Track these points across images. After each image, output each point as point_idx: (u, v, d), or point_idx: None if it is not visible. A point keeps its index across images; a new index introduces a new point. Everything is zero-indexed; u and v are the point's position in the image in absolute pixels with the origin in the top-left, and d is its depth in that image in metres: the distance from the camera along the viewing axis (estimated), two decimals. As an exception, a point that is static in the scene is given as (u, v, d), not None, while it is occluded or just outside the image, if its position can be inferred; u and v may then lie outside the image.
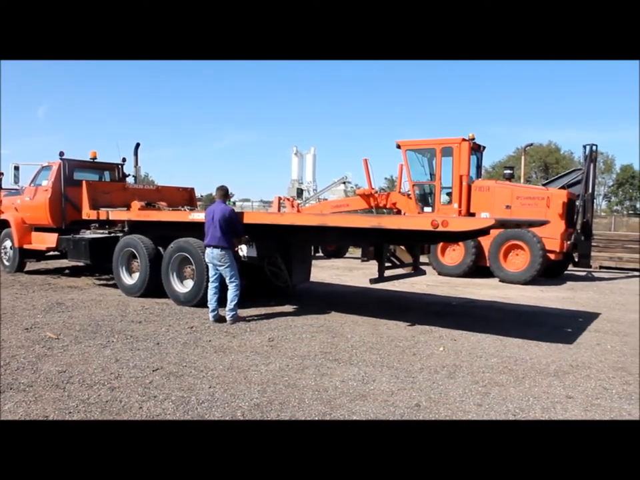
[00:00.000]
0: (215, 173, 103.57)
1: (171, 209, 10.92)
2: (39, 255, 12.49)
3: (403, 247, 9.80)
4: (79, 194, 10.93)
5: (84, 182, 10.73)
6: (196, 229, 8.27)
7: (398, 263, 8.98)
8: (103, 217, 10.31)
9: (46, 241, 11.72)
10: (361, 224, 7.37)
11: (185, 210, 10.90)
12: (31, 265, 13.05)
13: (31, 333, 6.93)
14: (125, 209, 10.66)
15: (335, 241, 12.97)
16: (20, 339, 6.58)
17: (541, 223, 9.48)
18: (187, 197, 12.62)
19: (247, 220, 8.19)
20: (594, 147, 14.30)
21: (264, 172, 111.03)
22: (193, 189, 12.90)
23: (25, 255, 12.38)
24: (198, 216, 8.52)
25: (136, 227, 10.00)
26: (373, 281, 8.16)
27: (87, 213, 10.49)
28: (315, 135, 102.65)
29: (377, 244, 7.98)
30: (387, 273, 8.35)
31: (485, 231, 7.86)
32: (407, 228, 7.16)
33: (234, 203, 39.17)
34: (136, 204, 10.62)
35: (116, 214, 10.29)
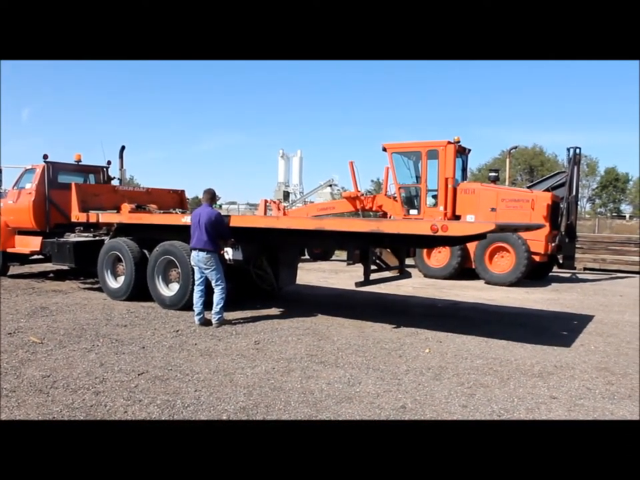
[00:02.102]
0: (201, 176, 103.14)
1: (161, 211, 10.77)
2: (23, 259, 12.36)
3: (388, 250, 9.82)
4: (63, 197, 10.83)
5: (73, 184, 10.54)
6: (187, 233, 8.18)
7: (384, 266, 8.99)
8: (92, 219, 10.10)
9: (30, 244, 11.60)
10: (360, 228, 7.28)
11: (176, 213, 10.77)
12: (14, 269, 12.92)
13: (14, 337, 6.86)
14: (115, 211, 10.54)
15: (320, 244, 12.98)
16: (3, 344, 6.50)
17: (538, 227, 9.60)
18: (177, 200, 12.46)
19: (243, 224, 8.15)
20: (577, 150, 14.45)
21: (250, 175, 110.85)
22: (183, 191, 12.74)
23: (8, 259, 12.23)
24: None
25: (123, 229, 9.92)
26: (358, 284, 8.18)
27: (77, 215, 10.25)
28: (302, 138, 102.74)
29: (363, 247, 7.97)
30: (373, 276, 8.37)
31: (482, 236, 7.82)
32: (407, 232, 7.06)
33: (220, 206, 39.09)
34: (126, 206, 10.46)
35: (106, 217, 10.12)
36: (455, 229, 6.51)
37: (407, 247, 9.04)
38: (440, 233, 6.36)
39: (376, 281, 8.52)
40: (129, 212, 10.28)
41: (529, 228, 10.05)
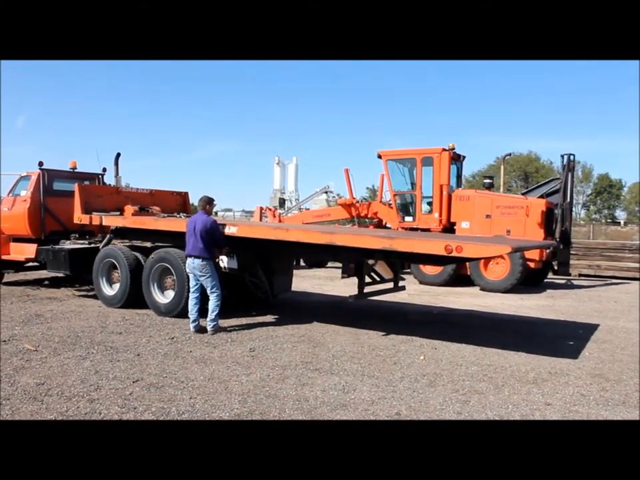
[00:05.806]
0: (197, 183, 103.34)
1: (165, 215, 10.50)
2: (18, 266, 12.31)
3: (383, 262, 9.74)
4: (59, 204, 10.82)
5: (77, 185, 10.39)
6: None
7: (378, 278, 8.93)
8: (95, 222, 9.89)
9: (25, 251, 11.56)
10: (372, 245, 6.97)
11: (181, 217, 10.57)
12: (9, 276, 12.89)
13: (9, 345, 6.84)
14: (118, 213, 10.33)
15: (316, 256, 12.90)
16: (-3, 352, 6.49)
17: (549, 245, 9.49)
18: (180, 202, 12.23)
19: (252, 234, 8.02)
20: (571, 157, 14.49)
21: (246, 182, 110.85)
22: (187, 194, 12.46)
23: (3, 266, 12.16)
24: None
25: (120, 233, 9.84)
26: (352, 297, 8.16)
27: (79, 217, 10.04)
28: (297, 145, 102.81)
29: (358, 259, 7.91)
30: (367, 289, 8.38)
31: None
32: (420, 251, 6.71)
33: (216, 213, 39.00)
34: (129, 208, 10.31)
35: (110, 219, 9.90)
36: (469, 251, 6.20)
37: (412, 262, 8.87)
38: (454, 254, 6.13)
39: (370, 294, 8.51)
40: (133, 214, 10.11)
41: (541, 246, 9.93)
